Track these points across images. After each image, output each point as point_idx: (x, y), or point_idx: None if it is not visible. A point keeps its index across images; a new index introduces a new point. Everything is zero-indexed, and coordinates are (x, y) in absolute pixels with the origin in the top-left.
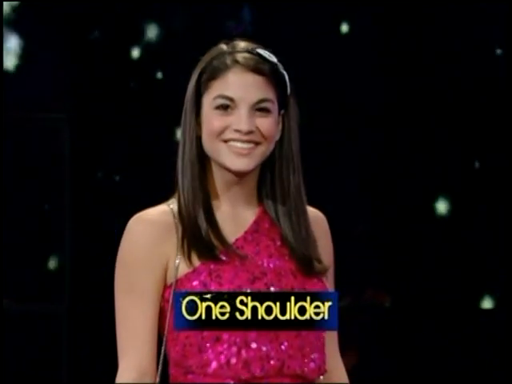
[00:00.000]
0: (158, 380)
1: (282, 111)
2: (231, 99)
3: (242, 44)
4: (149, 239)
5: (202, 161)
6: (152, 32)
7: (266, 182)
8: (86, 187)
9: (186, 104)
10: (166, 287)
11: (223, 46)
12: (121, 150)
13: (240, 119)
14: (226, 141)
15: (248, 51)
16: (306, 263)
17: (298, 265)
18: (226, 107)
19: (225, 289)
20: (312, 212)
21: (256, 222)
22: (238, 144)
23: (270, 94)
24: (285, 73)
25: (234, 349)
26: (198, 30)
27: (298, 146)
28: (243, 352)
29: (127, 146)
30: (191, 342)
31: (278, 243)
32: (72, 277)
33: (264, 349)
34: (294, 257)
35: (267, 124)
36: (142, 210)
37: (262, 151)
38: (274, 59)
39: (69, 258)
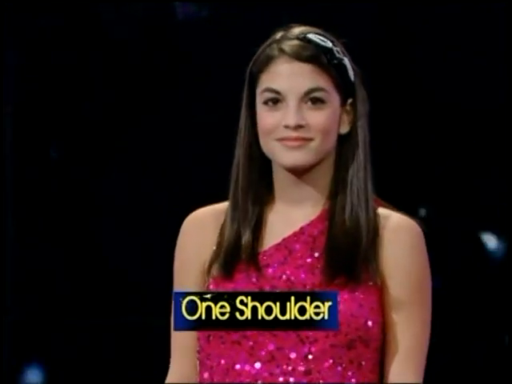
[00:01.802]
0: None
1: (350, 100)
2: (278, 92)
3: (295, 30)
4: (196, 244)
5: (262, 160)
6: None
7: (334, 182)
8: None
9: (242, 98)
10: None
11: (276, 35)
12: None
13: (288, 113)
14: (278, 139)
15: (298, 38)
16: (338, 275)
17: (328, 278)
18: (274, 101)
19: None
20: (394, 220)
21: (306, 227)
22: (289, 142)
23: (323, 82)
24: (345, 58)
25: (221, 368)
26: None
27: (366, 140)
28: (230, 373)
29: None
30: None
31: (317, 254)
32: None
33: (253, 372)
34: (327, 269)
35: (319, 117)
36: None
37: (316, 147)
38: (328, 44)
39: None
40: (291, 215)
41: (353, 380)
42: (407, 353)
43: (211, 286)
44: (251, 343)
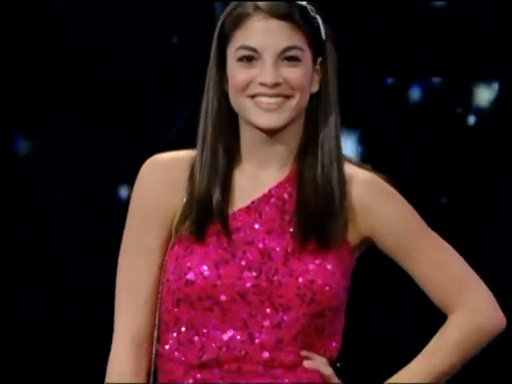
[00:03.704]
0: (154, 347)
1: (320, 59)
2: (254, 49)
3: None
4: (158, 188)
5: (230, 118)
6: None
7: (303, 142)
8: None
9: (210, 57)
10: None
11: None
12: None
13: (264, 71)
14: (251, 96)
15: None
16: (309, 239)
17: (299, 243)
18: (249, 59)
19: (187, 267)
20: (361, 177)
21: (274, 189)
22: (265, 99)
23: (298, 40)
24: (317, 16)
25: (191, 334)
26: None
27: (337, 98)
28: (198, 340)
29: None
30: (163, 316)
31: (287, 217)
32: None
33: (225, 339)
34: (299, 232)
35: (296, 74)
36: None
37: (293, 105)
38: (302, 2)
39: None
40: (259, 176)
41: (315, 345)
42: (453, 276)
43: (176, 247)
44: (223, 310)
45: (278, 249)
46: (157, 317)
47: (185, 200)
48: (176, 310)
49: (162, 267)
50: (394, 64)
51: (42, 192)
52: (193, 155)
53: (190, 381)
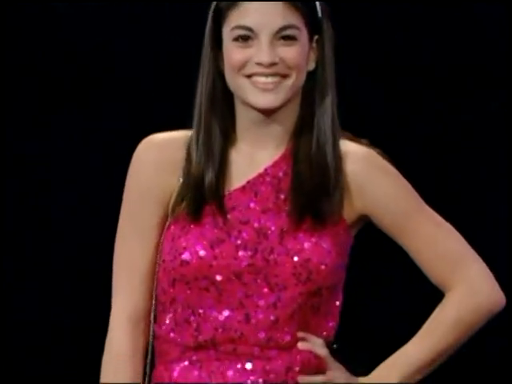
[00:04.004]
0: (152, 325)
1: (316, 37)
2: (250, 29)
3: None
4: (153, 169)
5: (225, 98)
6: None
7: (299, 120)
8: None
9: (205, 36)
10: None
11: None
12: None
13: (261, 50)
14: (248, 76)
15: None
16: (305, 218)
17: (295, 221)
18: (245, 38)
19: (182, 247)
20: (356, 152)
21: (270, 168)
22: (262, 78)
23: (294, 19)
24: None
25: (186, 313)
26: None
27: (333, 77)
28: (194, 320)
29: None
30: (159, 297)
31: (282, 196)
32: None
33: (221, 319)
34: (294, 211)
35: (292, 52)
36: None
37: (290, 84)
38: None
39: None
40: (255, 156)
41: (311, 324)
42: (450, 252)
43: (172, 227)
44: (219, 290)
45: (273, 228)
46: (153, 298)
47: (181, 180)
48: (172, 290)
49: (158, 247)
50: (394, 64)
51: (42, 192)
52: (189, 135)
53: (186, 362)
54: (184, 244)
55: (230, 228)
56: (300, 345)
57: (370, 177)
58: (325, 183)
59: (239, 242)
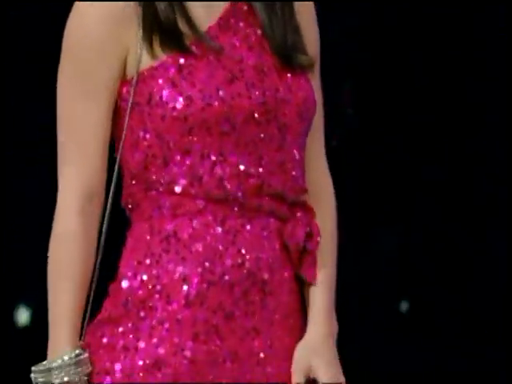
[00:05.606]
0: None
1: None
2: None
3: None
4: (103, 22)
5: None
6: None
7: None
8: None
9: None
10: (124, 82)
11: None
12: None
13: None
14: None
15: None
16: (289, 56)
17: (280, 59)
18: None
19: (197, 90)
20: None
21: (233, 5)
22: None
23: None
24: None
25: (208, 163)
26: None
27: None
28: (218, 168)
29: None
30: (155, 152)
31: (259, 32)
32: None
33: (242, 167)
34: (275, 49)
35: None
36: None
37: None
38: None
39: None
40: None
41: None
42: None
43: (165, 73)
44: (238, 134)
45: (267, 64)
46: (116, 165)
47: (141, 34)
48: (186, 139)
49: (112, 108)
50: (394, 63)
51: (42, 192)
52: None
53: (210, 217)
54: (199, 86)
55: (231, 67)
56: None
57: (310, 21)
58: (291, 14)
59: (246, 80)
